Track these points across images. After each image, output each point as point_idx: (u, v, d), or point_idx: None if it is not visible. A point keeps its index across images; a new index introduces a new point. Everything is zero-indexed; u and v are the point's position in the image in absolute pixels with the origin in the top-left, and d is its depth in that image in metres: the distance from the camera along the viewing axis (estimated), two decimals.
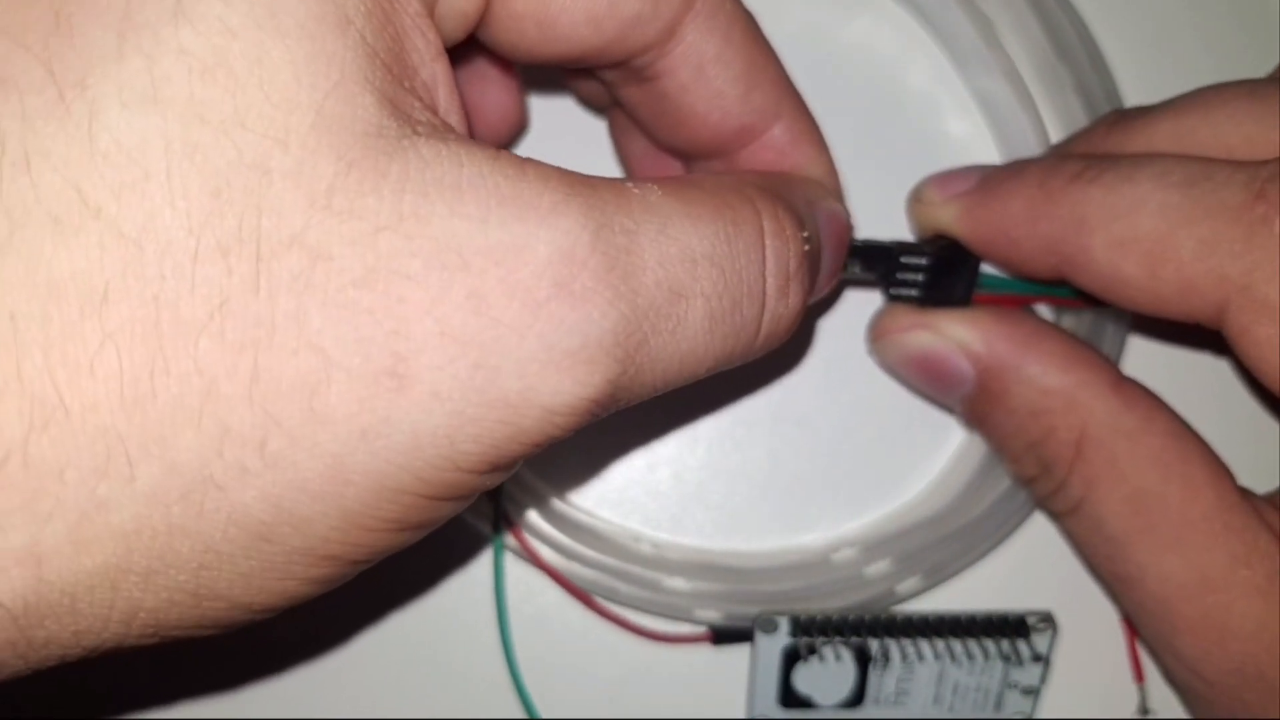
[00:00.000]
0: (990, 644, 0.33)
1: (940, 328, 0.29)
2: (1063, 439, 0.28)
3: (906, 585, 0.34)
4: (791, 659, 0.33)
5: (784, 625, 0.33)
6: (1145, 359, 0.35)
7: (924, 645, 0.33)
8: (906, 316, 0.30)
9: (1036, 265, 0.28)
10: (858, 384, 0.36)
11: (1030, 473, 0.29)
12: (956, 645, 0.33)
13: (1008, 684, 0.33)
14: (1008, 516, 0.34)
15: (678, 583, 0.34)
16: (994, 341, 0.29)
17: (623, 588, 0.34)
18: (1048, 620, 0.33)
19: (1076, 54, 0.34)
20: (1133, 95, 0.33)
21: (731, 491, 0.36)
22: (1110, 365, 0.29)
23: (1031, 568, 0.36)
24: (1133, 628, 0.34)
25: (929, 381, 0.30)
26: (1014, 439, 0.29)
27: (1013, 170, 0.29)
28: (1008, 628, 0.33)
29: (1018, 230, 0.28)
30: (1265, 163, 0.25)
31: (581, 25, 0.23)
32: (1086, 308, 0.32)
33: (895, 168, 0.33)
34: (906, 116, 0.36)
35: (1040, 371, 0.28)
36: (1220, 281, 0.25)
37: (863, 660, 0.33)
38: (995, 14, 0.35)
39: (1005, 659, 0.33)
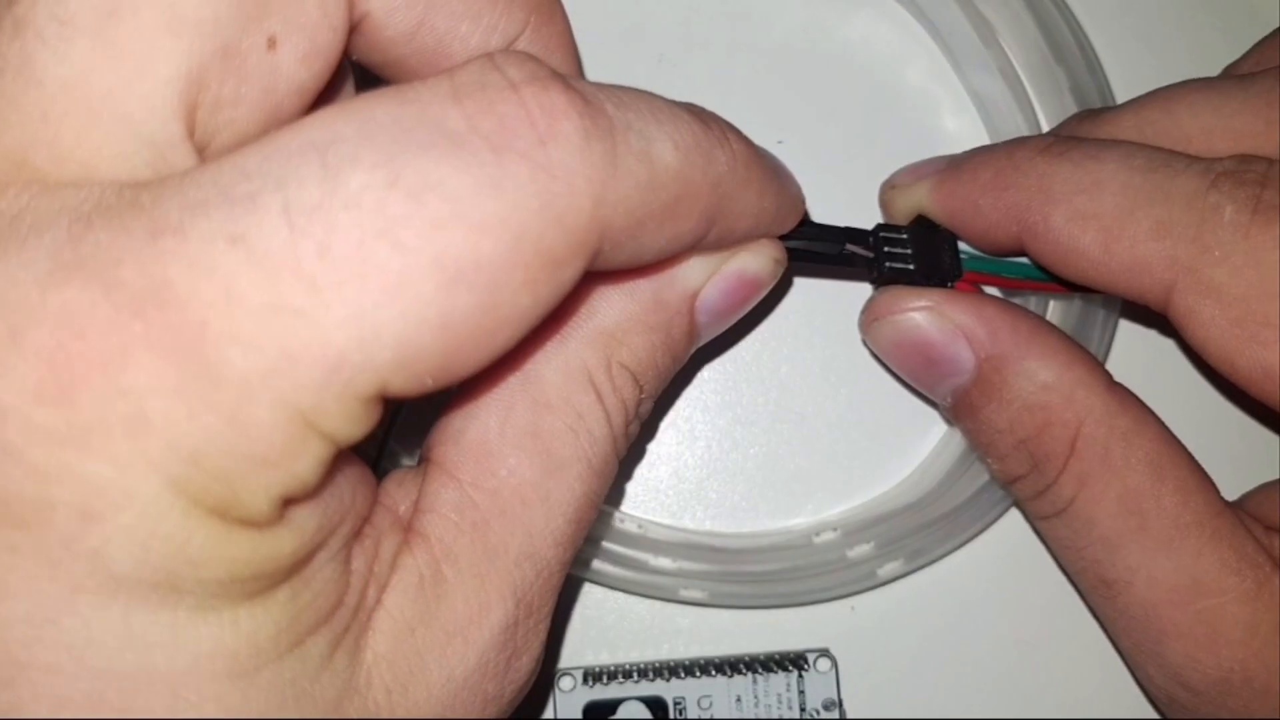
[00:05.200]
0: (777, 679, 0.31)
1: (945, 311, 0.26)
2: (1057, 435, 0.25)
3: (888, 568, 0.31)
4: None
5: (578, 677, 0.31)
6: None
7: (718, 684, 0.31)
8: (908, 298, 0.27)
9: (999, 235, 0.26)
10: (848, 379, 0.33)
11: (1018, 472, 0.26)
12: (744, 681, 0.31)
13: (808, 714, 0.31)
14: (991, 504, 0.31)
15: (663, 562, 0.31)
16: (998, 331, 0.26)
17: (608, 568, 0.31)
18: (826, 655, 0.31)
19: (1072, 56, 0.31)
20: (1126, 99, 0.30)
21: (729, 488, 0.33)
22: (1103, 367, 0.26)
23: (1014, 554, 0.33)
24: None
25: (925, 367, 0.27)
26: (1005, 435, 0.26)
27: (982, 149, 0.28)
28: (788, 662, 0.31)
29: (984, 198, 0.26)
30: (1221, 158, 0.25)
31: None
32: (1070, 294, 0.29)
33: (891, 163, 0.30)
34: (904, 113, 0.33)
35: (1040, 366, 0.25)
36: (1171, 263, 0.24)
37: (660, 711, 0.31)
38: (993, 14, 0.32)
39: (801, 700, 0.31)
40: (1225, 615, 0.24)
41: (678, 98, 0.32)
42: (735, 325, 0.25)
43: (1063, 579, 0.32)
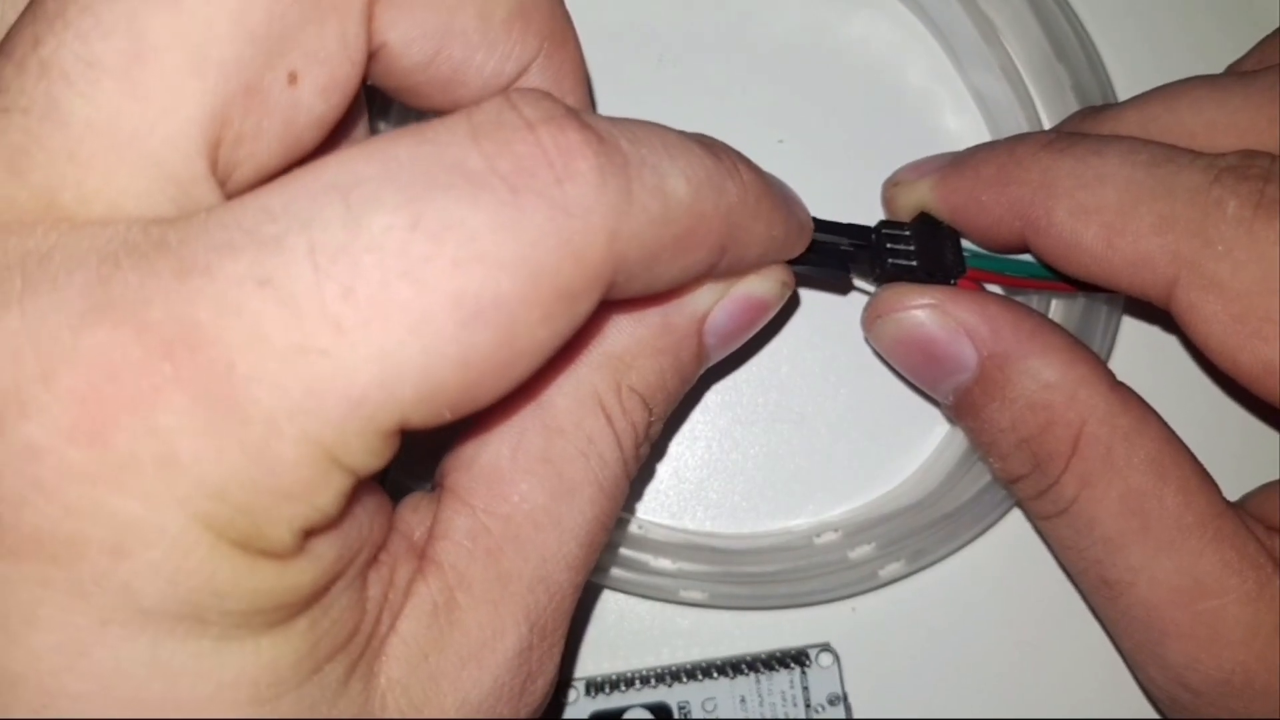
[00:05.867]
0: (780, 677, 0.31)
1: (948, 309, 0.26)
2: (1060, 434, 0.25)
3: (890, 569, 0.31)
4: None
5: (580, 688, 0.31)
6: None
7: (721, 686, 0.31)
8: (911, 295, 0.27)
9: (1001, 230, 0.26)
10: (849, 379, 0.33)
11: (1020, 471, 0.26)
12: (747, 681, 0.31)
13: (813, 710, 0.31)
14: (993, 505, 0.31)
15: (664, 563, 0.31)
16: (1001, 329, 0.26)
17: (608, 568, 0.31)
18: (828, 649, 0.31)
19: (1074, 54, 0.31)
20: (1128, 98, 0.29)
21: (729, 488, 0.33)
22: (1105, 366, 0.26)
23: (1016, 556, 0.33)
24: None
25: (927, 365, 0.27)
26: (1007, 434, 0.26)
27: (984, 145, 0.28)
28: (790, 660, 0.31)
29: (987, 193, 0.26)
30: (1224, 154, 0.24)
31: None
32: (1075, 292, 0.29)
33: (892, 162, 0.30)
34: (905, 112, 0.33)
35: (1043, 364, 0.25)
36: (1173, 258, 0.24)
37: (665, 716, 0.31)
38: (995, 13, 0.32)
39: (805, 696, 0.31)
40: (1227, 616, 0.24)
41: (678, 98, 0.33)
42: (742, 344, 0.25)
43: (1064, 580, 0.31)
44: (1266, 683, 0.24)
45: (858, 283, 0.28)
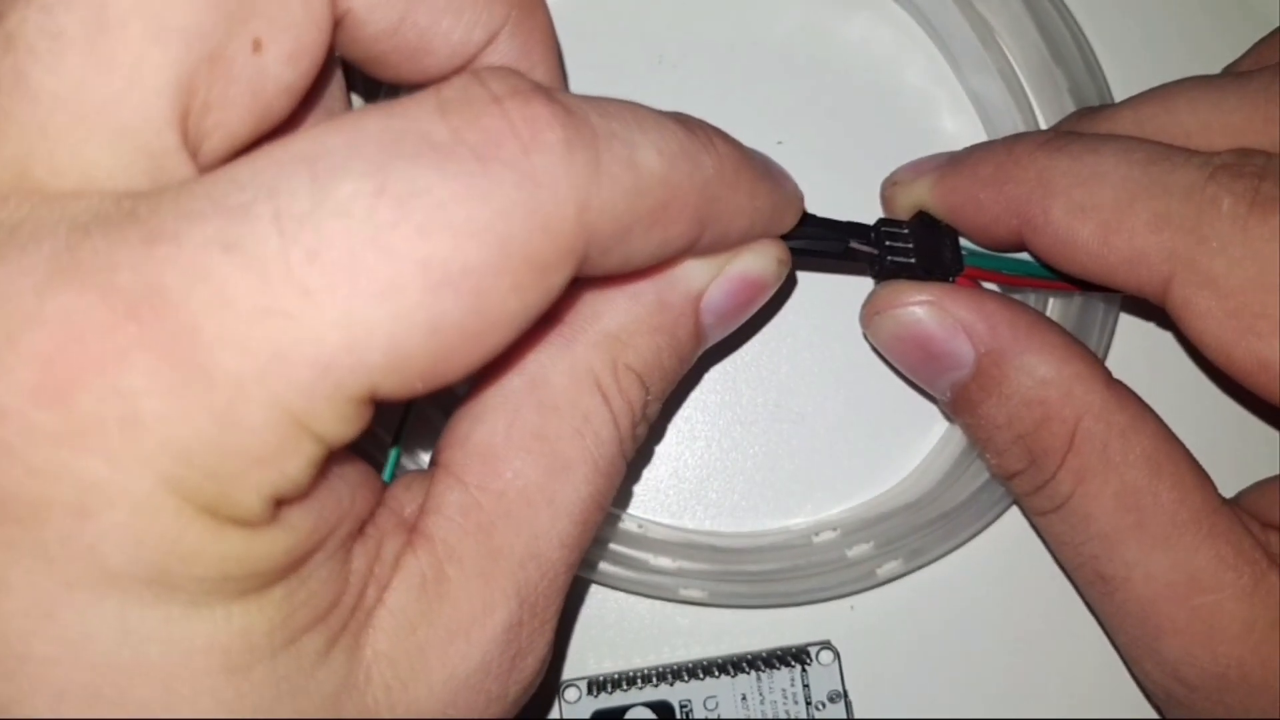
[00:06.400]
0: (781, 675, 0.31)
1: (945, 306, 0.26)
2: (1056, 431, 0.25)
3: (888, 568, 0.31)
4: None
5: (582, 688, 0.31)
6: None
7: (722, 684, 0.31)
8: (909, 292, 0.27)
9: (999, 229, 0.27)
10: (848, 379, 0.33)
11: (1016, 467, 0.26)
12: (748, 680, 0.31)
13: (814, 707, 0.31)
14: (990, 503, 0.31)
15: (664, 562, 0.31)
16: (998, 326, 0.26)
17: (608, 567, 0.31)
18: (828, 647, 0.31)
19: (1071, 57, 0.31)
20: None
21: (729, 487, 0.33)
22: (1102, 364, 0.26)
23: (1013, 554, 0.33)
24: None
25: (924, 362, 0.27)
26: (1003, 430, 0.26)
27: (982, 145, 0.28)
28: (790, 657, 0.31)
29: (985, 192, 0.27)
30: (1219, 152, 0.25)
31: None
32: (1072, 290, 0.29)
33: (890, 164, 0.30)
34: (903, 114, 0.33)
35: (1039, 361, 0.25)
36: (1168, 255, 0.24)
37: (666, 714, 0.31)
38: (992, 15, 0.32)
39: (806, 694, 0.31)
40: (1222, 611, 0.24)
41: (677, 98, 0.33)
42: (742, 325, 0.25)
43: (1061, 578, 0.32)
44: (1262, 678, 0.24)
45: (854, 245, 0.28)
